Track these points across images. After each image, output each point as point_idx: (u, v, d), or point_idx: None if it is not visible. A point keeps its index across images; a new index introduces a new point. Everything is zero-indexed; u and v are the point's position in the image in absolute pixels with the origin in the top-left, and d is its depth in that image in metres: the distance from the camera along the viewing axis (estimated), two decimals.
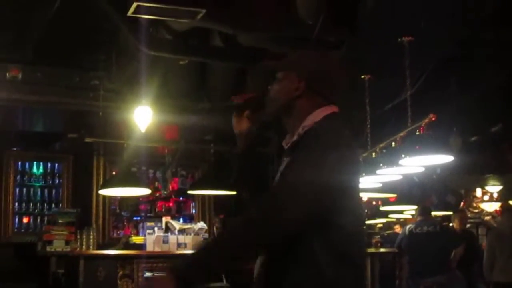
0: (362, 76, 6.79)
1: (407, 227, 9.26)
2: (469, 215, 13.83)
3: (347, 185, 2.41)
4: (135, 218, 11.12)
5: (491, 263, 8.35)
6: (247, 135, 2.76)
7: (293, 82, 2.55)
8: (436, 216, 11.43)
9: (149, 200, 11.17)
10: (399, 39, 5.80)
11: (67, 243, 8.25)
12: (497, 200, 15.79)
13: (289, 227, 2.27)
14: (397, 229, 13.15)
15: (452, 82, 7.28)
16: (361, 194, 10.37)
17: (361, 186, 7.94)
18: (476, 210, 16.21)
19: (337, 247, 2.32)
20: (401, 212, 11.99)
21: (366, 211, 14.08)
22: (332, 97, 2.58)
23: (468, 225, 11.98)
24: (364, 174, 7.33)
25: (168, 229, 8.18)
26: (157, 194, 11.12)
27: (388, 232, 13.35)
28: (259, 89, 2.74)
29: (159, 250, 7.80)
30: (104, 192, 9.05)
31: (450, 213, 11.19)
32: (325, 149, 2.31)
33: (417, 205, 9.85)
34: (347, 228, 2.35)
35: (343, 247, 2.34)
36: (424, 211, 9.25)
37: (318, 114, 2.50)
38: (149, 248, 7.81)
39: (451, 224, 10.51)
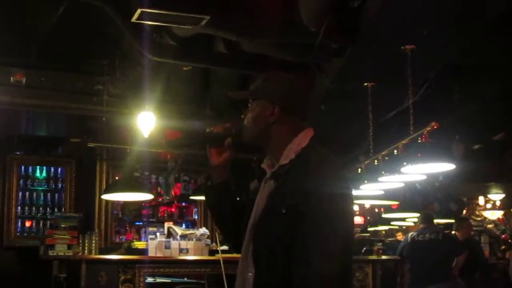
0: (365, 84, 6.79)
1: (409, 234, 9.27)
2: (472, 223, 13.82)
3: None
4: (137, 223, 11.13)
5: None
6: (227, 166, 2.77)
7: (267, 108, 2.57)
8: (438, 224, 11.43)
9: (151, 205, 11.19)
10: (401, 47, 5.80)
11: (69, 247, 8.27)
12: (499, 208, 15.78)
13: None
14: (399, 236, 13.14)
15: (455, 90, 7.28)
16: (364, 201, 10.38)
17: (362, 193, 7.94)
18: (479, 218, 16.19)
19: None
20: (403, 219, 11.99)
21: (368, 218, 14.11)
22: (305, 118, 2.63)
23: (471, 233, 11.94)
24: (366, 181, 7.34)
25: (170, 234, 8.16)
26: (160, 200, 11.13)
27: (390, 239, 13.34)
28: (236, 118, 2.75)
29: (161, 255, 7.80)
30: (106, 197, 9.06)
31: (452, 220, 11.20)
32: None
33: (419, 212, 9.85)
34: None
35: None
36: (426, 219, 9.25)
37: (303, 138, 2.54)
38: (151, 253, 7.80)
39: (453, 232, 10.51)
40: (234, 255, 8.23)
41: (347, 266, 2.43)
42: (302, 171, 2.40)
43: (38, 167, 10.56)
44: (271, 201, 2.46)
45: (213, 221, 2.84)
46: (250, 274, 2.45)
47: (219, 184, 2.76)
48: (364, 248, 10.07)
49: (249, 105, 2.66)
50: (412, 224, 11.87)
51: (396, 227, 13.53)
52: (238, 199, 2.80)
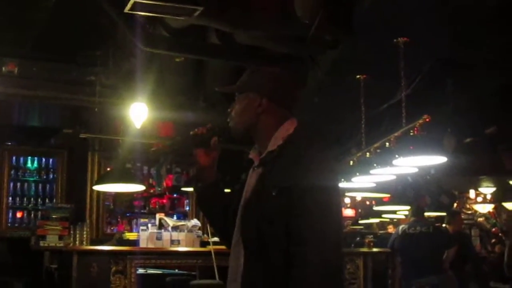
0: (358, 76, 6.80)
1: (400, 227, 9.27)
2: (462, 217, 13.86)
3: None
4: (128, 215, 11.13)
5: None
6: (215, 165, 2.81)
7: (255, 100, 2.66)
8: (429, 217, 11.46)
9: (143, 197, 11.19)
10: (394, 40, 5.81)
11: (60, 238, 8.24)
12: (490, 202, 15.84)
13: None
14: (391, 229, 13.18)
15: (448, 84, 7.29)
16: (355, 194, 10.39)
17: (354, 185, 7.94)
18: (470, 212, 16.24)
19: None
20: (394, 212, 12.03)
21: (359, 210, 14.13)
22: (292, 109, 2.71)
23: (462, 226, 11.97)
24: (358, 173, 7.36)
25: (161, 225, 8.17)
26: (151, 191, 11.13)
27: (381, 232, 13.38)
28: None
29: (153, 246, 7.80)
30: (98, 188, 9.05)
31: (444, 213, 11.22)
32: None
33: (410, 205, 9.87)
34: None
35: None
36: (417, 212, 9.25)
37: (289, 126, 2.63)
38: (143, 244, 7.81)
39: (444, 225, 10.54)
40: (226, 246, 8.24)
41: (341, 257, 2.56)
42: (292, 156, 2.48)
43: (29, 157, 10.55)
44: (260, 185, 2.53)
45: (207, 221, 2.89)
46: (242, 259, 2.51)
47: (209, 185, 2.80)
48: (357, 239, 10.10)
49: (236, 98, 2.74)
50: (403, 217, 11.90)
51: (387, 219, 13.57)
52: (228, 191, 2.85)
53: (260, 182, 2.54)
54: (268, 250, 2.42)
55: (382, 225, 14.36)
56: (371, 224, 14.36)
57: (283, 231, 2.39)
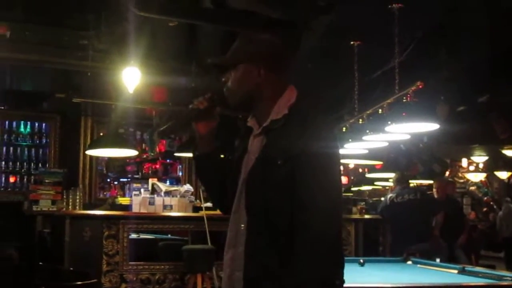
0: (352, 42, 6.77)
1: (388, 196, 9.29)
2: (456, 185, 13.90)
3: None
4: (121, 179, 11.15)
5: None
6: (214, 133, 2.78)
7: (253, 71, 2.59)
8: (421, 185, 11.49)
9: (136, 162, 11.20)
10: (389, 6, 5.78)
11: (53, 202, 8.28)
12: (482, 171, 15.90)
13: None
14: None
15: (442, 51, 7.28)
16: (348, 161, 10.36)
17: (346, 152, 7.88)
18: (462, 180, 16.31)
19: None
20: (386, 179, 12.06)
21: (352, 177, 14.15)
22: (288, 74, 2.66)
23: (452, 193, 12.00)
24: (350, 140, 7.36)
25: (154, 190, 8.19)
26: (144, 156, 11.14)
27: (374, 199, 13.43)
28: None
29: (145, 211, 7.82)
30: (91, 152, 9.05)
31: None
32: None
33: (394, 173, 9.86)
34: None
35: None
36: (402, 179, 9.27)
37: (290, 96, 2.60)
38: (135, 209, 7.82)
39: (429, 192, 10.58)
40: (218, 212, 8.25)
41: (341, 224, 2.58)
42: (297, 126, 2.46)
43: (22, 122, 10.52)
44: (265, 153, 2.51)
45: (204, 189, 2.86)
46: (242, 225, 2.51)
47: (208, 154, 2.78)
48: (349, 206, 10.13)
49: (233, 69, 2.66)
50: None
51: (380, 187, 13.61)
52: (223, 157, 2.83)
53: (265, 150, 2.52)
54: (273, 217, 2.42)
55: (374, 192, 14.40)
56: (373, 190, 14.41)
57: (288, 198, 2.39)
